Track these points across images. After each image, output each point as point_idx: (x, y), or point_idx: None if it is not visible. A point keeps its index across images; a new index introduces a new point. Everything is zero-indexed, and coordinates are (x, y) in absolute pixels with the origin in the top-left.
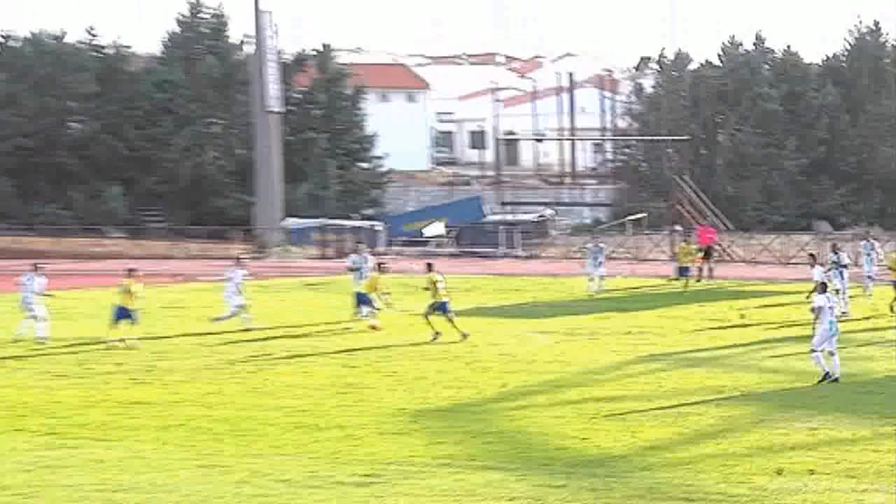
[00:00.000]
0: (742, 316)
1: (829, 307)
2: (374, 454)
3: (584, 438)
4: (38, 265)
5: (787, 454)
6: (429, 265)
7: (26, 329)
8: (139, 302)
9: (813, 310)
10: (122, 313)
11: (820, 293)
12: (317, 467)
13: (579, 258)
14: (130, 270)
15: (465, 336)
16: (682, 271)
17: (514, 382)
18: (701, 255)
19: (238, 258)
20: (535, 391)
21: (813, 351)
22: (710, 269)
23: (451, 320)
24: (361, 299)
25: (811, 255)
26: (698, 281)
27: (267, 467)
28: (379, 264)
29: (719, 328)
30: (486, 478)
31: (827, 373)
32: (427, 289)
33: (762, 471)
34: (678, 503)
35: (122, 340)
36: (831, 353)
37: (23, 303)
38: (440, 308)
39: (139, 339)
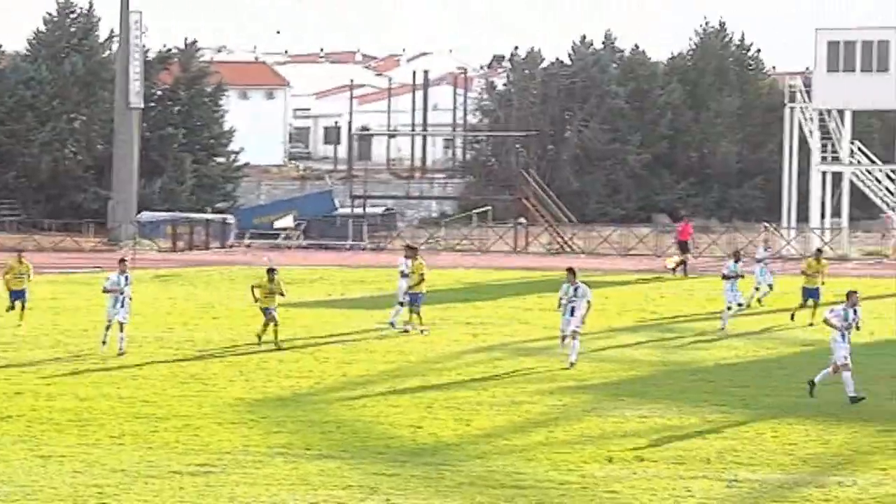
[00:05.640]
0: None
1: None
2: (212, 444)
3: (419, 427)
4: None
5: (617, 442)
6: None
7: None
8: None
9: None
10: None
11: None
12: (154, 457)
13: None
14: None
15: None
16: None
17: (355, 372)
18: (679, 249)
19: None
20: (373, 381)
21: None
22: (685, 264)
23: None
24: None
25: (736, 252)
26: (686, 275)
27: (104, 457)
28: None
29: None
30: (321, 466)
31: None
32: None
33: (592, 458)
34: (509, 490)
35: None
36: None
37: None
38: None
39: None
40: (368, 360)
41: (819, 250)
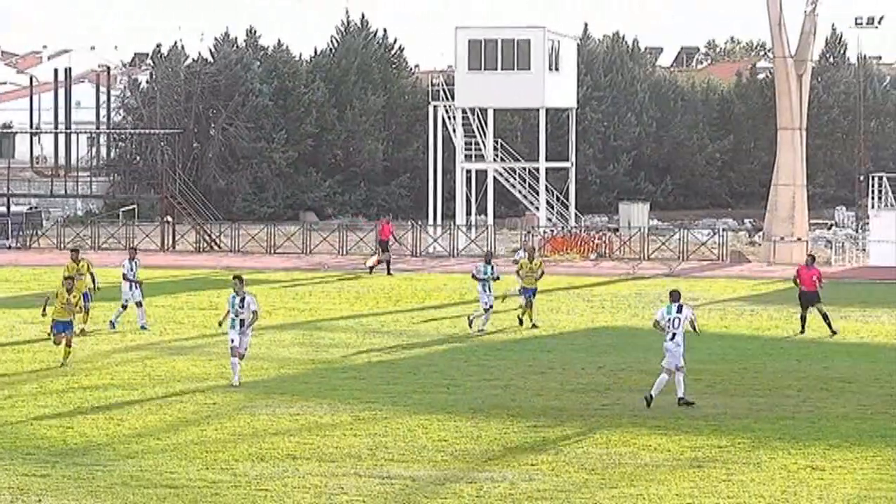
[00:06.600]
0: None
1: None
2: None
3: (69, 427)
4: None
5: (270, 440)
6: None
7: None
8: None
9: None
10: None
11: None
12: None
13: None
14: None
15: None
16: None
17: (1, 371)
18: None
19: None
20: (21, 380)
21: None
22: (388, 263)
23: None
24: None
25: (488, 253)
26: (389, 274)
27: None
28: None
29: (214, 316)
30: None
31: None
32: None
33: (245, 456)
34: (162, 490)
35: None
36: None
37: None
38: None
39: None
40: (16, 360)
41: (533, 248)
